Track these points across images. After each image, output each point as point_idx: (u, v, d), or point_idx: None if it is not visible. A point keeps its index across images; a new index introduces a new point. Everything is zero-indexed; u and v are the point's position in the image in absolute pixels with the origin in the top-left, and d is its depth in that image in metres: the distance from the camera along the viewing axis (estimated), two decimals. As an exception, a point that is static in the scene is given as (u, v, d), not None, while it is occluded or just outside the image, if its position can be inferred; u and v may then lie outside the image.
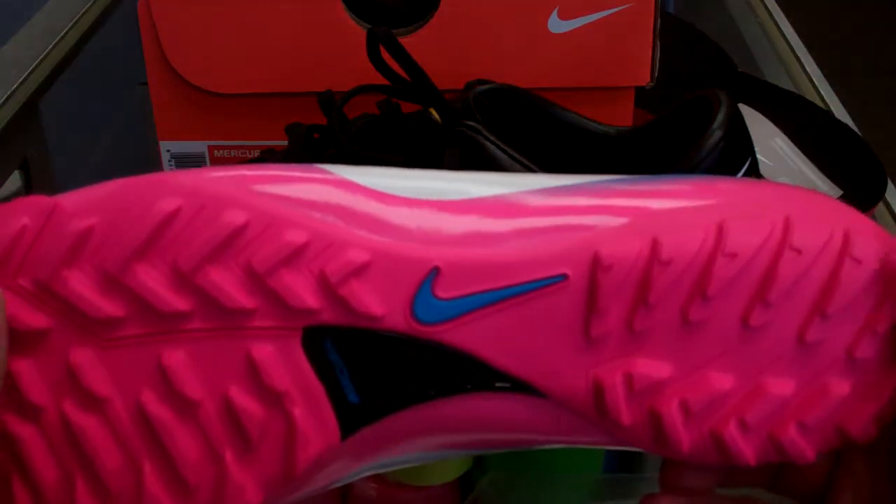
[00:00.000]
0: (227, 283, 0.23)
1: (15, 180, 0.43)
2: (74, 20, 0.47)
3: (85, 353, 0.24)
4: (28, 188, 0.43)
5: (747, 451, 0.25)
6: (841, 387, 0.25)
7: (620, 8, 0.36)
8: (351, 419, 0.25)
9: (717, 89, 0.31)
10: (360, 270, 0.24)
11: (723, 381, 0.25)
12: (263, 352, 0.24)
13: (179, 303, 0.24)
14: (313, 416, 0.25)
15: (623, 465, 0.49)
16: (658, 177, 0.26)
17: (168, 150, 0.39)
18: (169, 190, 0.23)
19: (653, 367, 0.25)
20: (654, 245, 0.24)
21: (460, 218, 0.24)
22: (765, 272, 0.24)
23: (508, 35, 0.37)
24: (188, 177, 0.23)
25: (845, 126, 0.43)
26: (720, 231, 0.24)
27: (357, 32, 0.37)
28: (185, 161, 0.40)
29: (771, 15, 0.54)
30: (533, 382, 0.25)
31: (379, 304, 0.24)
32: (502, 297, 0.24)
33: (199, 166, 0.40)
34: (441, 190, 0.25)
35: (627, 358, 0.25)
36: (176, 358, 0.24)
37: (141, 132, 0.48)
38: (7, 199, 0.43)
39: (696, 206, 0.25)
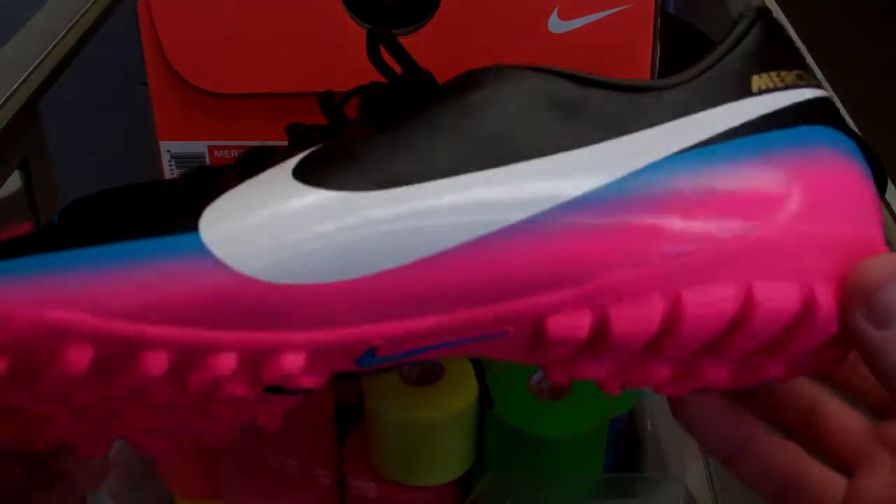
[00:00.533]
0: (163, 398, 0.23)
1: (15, 180, 0.43)
2: (74, 20, 0.47)
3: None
4: (28, 188, 0.43)
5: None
6: (776, 368, 0.25)
7: (620, 8, 0.36)
8: (305, 392, 0.26)
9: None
10: (297, 372, 0.23)
11: (662, 372, 0.25)
12: (216, 406, 0.25)
13: (121, 406, 0.24)
14: (271, 407, 0.27)
15: (623, 464, 0.49)
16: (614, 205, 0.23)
17: (168, 151, 0.39)
18: (75, 337, 0.21)
19: (596, 370, 0.25)
20: (603, 324, 0.23)
21: (390, 293, 0.22)
22: (717, 345, 0.23)
23: (508, 35, 0.37)
24: (92, 321, 0.21)
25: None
26: (676, 308, 0.23)
27: (357, 32, 0.37)
28: (186, 161, 0.40)
29: (771, 15, 0.54)
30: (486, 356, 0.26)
31: (318, 379, 0.23)
32: (443, 347, 0.24)
33: (200, 166, 0.40)
34: (362, 262, 0.22)
35: (572, 364, 0.25)
36: (133, 416, 0.25)
37: (141, 132, 0.48)
38: (7, 198, 0.43)
39: (656, 268, 0.23)
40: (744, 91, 0.24)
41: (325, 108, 0.30)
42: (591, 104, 0.24)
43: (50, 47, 0.44)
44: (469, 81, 0.25)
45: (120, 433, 0.27)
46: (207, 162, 0.40)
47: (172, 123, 0.39)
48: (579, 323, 0.23)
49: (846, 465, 0.27)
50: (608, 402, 0.42)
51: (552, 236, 0.22)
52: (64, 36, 0.45)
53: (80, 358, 0.21)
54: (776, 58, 0.25)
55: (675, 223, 0.23)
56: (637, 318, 0.23)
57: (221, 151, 0.40)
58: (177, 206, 0.23)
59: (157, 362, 0.22)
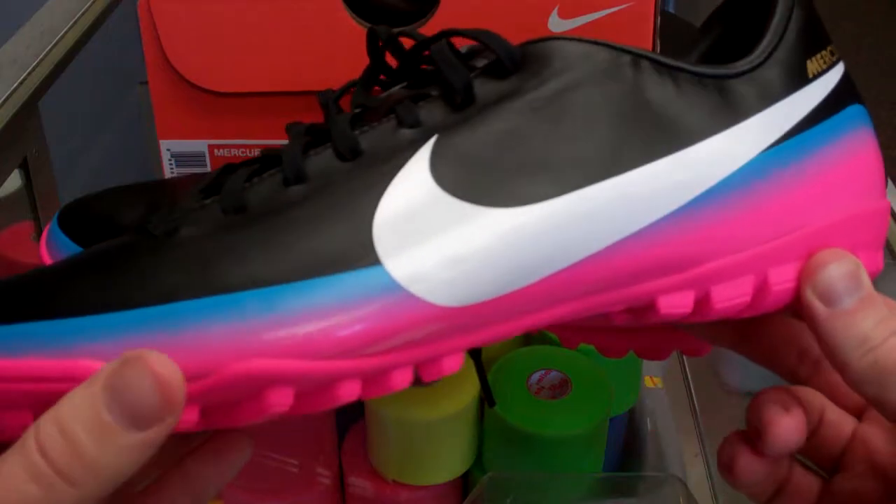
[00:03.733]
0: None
1: (15, 180, 0.43)
2: (74, 20, 0.47)
3: None
4: (28, 188, 0.43)
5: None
6: None
7: (621, 7, 0.36)
8: None
9: None
10: (452, 371, 0.25)
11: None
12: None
13: None
14: None
15: (623, 464, 0.49)
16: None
17: (168, 150, 0.39)
18: (279, 381, 0.22)
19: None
20: (706, 305, 0.26)
21: (543, 295, 0.25)
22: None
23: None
24: (296, 365, 0.22)
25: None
26: (763, 291, 0.26)
27: (357, 31, 0.37)
28: (186, 160, 0.40)
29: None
30: None
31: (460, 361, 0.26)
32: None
33: (200, 165, 0.40)
34: (519, 277, 0.24)
35: None
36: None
37: (141, 132, 0.48)
38: (7, 198, 0.43)
39: (753, 253, 0.26)
40: (803, 78, 0.27)
41: (324, 107, 0.30)
42: (681, 105, 0.26)
43: (50, 47, 0.44)
44: (544, 65, 0.26)
45: None
46: (207, 161, 0.40)
47: (172, 122, 0.39)
48: (685, 301, 0.26)
49: (831, 470, 0.28)
50: (608, 401, 0.42)
51: (665, 240, 0.25)
52: (64, 35, 0.45)
53: (283, 399, 0.22)
54: (818, 38, 0.28)
55: (765, 216, 0.26)
56: (734, 295, 0.26)
57: (221, 150, 0.40)
58: (329, 221, 0.24)
59: (350, 390, 0.23)
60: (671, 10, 0.62)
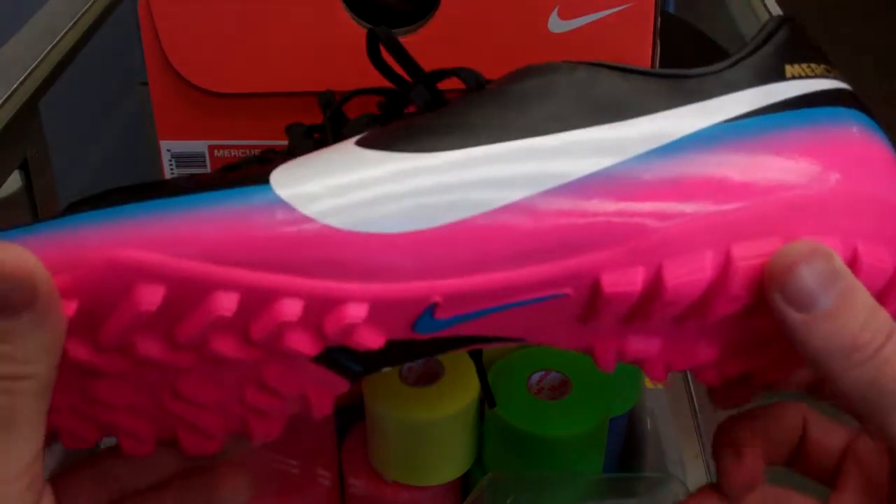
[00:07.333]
0: (226, 348, 0.23)
1: (15, 180, 0.43)
2: (74, 20, 0.47)
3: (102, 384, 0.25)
4: (28, 188, 0.43)
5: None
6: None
7: (620, 7, 0.36)
8: (356, 376, 0.26)
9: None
10: (358, 323, 0.23)
11: (706, 353, 0.26)
12: (272, 373, 0.25)
13: (182, 360, 0.24)
14: (323, 386, 0.26)
15: (623, 464, 0.49)
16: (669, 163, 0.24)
17: (168, 150, 0.39)
18: (147, 276, 0.22)
19: (645, 346, 0.26)
20: (657, 282, 0.23)
21: (454, 247, 0.23)
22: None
23: (508, 34, 0.37)
24: (164, 260, 0.22)
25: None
26: (727, 267, 0.23)
27: (357, 32, 0.37)
28: (186, 160, 0.40)
29: (771, 15, 0.54)
30: (529, 341, 0.26)
31: (378, 338, 0.24)
32: (502, 309, 0.24)
33: (200, 166, 0.40)
34: (426, 214, 0.23)
35: (621, 338, 0.26)
36: (189, 385, 0.25)
37: (141, 132, 0.48)
38: (7, 199, 0.43)
39: (708, 221, 0.23)
40: (778, 76, 0.25)
41: (325, 108, 0.31)
42: (634, 91, 0.25)
43: (50, 47, 0.44)
44: (520, 74, 0.26)
45: (172, 419, 0.26)
46: (207, 161, 0.40)
47: (172, 123, 0.39)
48: (633, 280, 0.23)
49: (830, 483, 0.27)
50: (608, 401, 0.42)
51: (605, 195, 0.23)
52: (64, 35, 0.45)
53: (151, 296, 0.22)
54: (805, 54, 0.27)
55: (723, 181, 0.24)
56: (689, 271, 0.23)
57: (221, 151, 0.40)
58: (240, 176, 0.24)
59: (226, 302, 0.22)
60: (671, 10, 0.62)
